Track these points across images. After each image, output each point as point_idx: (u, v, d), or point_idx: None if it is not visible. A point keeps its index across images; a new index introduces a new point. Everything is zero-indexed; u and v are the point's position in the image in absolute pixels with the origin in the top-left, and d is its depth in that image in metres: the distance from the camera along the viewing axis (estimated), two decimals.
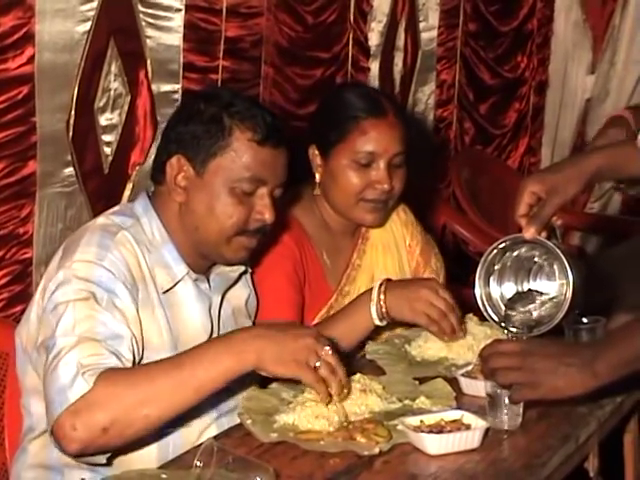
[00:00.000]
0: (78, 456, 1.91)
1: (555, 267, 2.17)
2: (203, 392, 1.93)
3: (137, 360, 2.04)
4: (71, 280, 2.01)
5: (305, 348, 1.94)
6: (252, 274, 2.44)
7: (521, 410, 2.02)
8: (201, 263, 2.23)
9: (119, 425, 1.86)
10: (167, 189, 2.18)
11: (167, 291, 2.16)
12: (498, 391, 1.99)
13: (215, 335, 2.24)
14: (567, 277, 2.11)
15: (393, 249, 2.74)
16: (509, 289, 2.23)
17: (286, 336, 1.96)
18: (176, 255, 2.17)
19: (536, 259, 2.21)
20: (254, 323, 2.43)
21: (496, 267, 2.22)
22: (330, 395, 1.97)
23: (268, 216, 2.17)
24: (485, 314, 2.22)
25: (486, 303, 2.22)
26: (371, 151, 2.53)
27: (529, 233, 2.14)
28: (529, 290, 2.22)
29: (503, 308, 2.20)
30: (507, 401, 1.99)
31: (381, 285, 2.38)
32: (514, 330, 2.15)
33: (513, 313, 2.17)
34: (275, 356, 1.93)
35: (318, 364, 1.94)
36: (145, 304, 2.10)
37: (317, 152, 2.59)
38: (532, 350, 1.94)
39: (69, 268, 2.03)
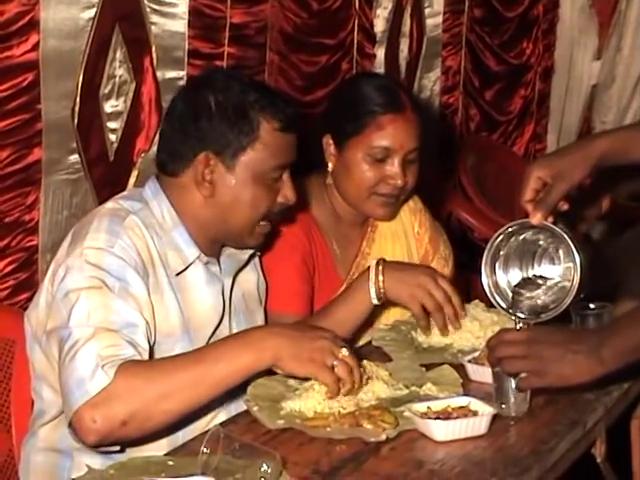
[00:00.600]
0: (95, 446, 1.92)
1: (561, 251, 2.17)
2: (222, 387, 1.95)
3: (151, 346, 2.04)
4: (82, 267, 2.01)
5: (322, 348, 1.97)
6: (260, 260, 2.45)
7: (528, 396, 2.02)
8: (212, 246, 2.23)
9: (138, 418, 1.87)
10: (186, 182, 2.17)
11: (179, 273, 2.16)
12: (505, 378, 1.99)
13: (227, 318, 2.25)
14: (574, 261, 2.11)
15: (402, 237, 2.73)
16: (515, 275, 2.23)
17: (304, 336, 1.99)
18: (187, 238, 2.17)
19: (541, 242, 2.21)
20: (265, 310, 2.43)
21: (502, 253, 2.22)
22: (338, 393, 1.99)
23: (292, 197, 2.23)
24: (492, 301, 2.22)
25: (493, 290, 2.21)
26: (387, 146, 2.52)
27: (536, 218, 2.13)
28: (534, 276, 2.22)
29: (510, 294, 2.19)
30: (514, 387, 1.99)
31: (377, 264, 2.37)
32: (522, 316, 2.15)
33: (520, 299, 2.17)
34: (293, 354, 1.95)
35: (335, 363, 1.96)
36: (155, 289, 2.10)
37: (331, 142, 2.58)
38: (538, 338, 1.94)
39: (79, 255, 2.02)
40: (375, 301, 2.37)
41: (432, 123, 4.41)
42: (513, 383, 1.98)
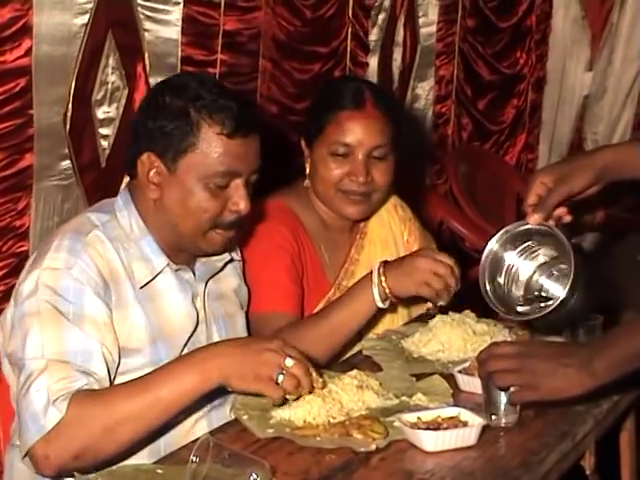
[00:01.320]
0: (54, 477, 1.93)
1: (555, 249, 2.19)
2: (170, 411, 1.93)
3: (114, 367, 2.03)
4: (38, 289, 2.00)
5: (267, 362, 1.93)
6: (244, 264, 2.44)
7: (518, 407, 2.02)
8: (182, 255, 2.21)
9: (90, 451, 1.88)
10: (140, 184, 2.16)
11: (145, 285, 2.13)
12: (494, 389, 1.99)
13: (203, 325, 2.23)
14: (569, 257, 2.12)
15: (391, 245, 2.73)
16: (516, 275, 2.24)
17: (247, 352, 1.95)
18: (155, 247, 2.15)
19: (536, 248, 2.23)
20: (247, 314, 2.42)
21: (500, 255, 2.24)
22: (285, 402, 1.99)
23: (243, 207, 2.15)
24: (490, 304, 2.22)
25: (491, 295, 2.22)
26: (346, 142, 2.54)
27: (533, 219, 2.15)
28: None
29: (513, 294, 2.20)
30: (503, 398, 1.99)
31: (379, 267, 2.37)
32: (522, 309, 2.15)
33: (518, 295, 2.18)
34: (237, 373, 1.93)
35: (281, 378, 1.92)
36: (119, 305, 2.08)
37: (304, 144, 2.61)
38: (530, 352, 1.94)
39: (37, 275, 2.02)
40: (380, 304, 2.35)
41: (425, 132, 4.43)
42: (503, 394, 1.98)
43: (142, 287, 2.13)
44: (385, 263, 2.38)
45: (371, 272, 2.38)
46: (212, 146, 2.11)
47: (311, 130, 2.60)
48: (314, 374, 1.99)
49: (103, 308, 2.03)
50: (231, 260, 2.35)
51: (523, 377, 1.90)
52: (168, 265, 2.17)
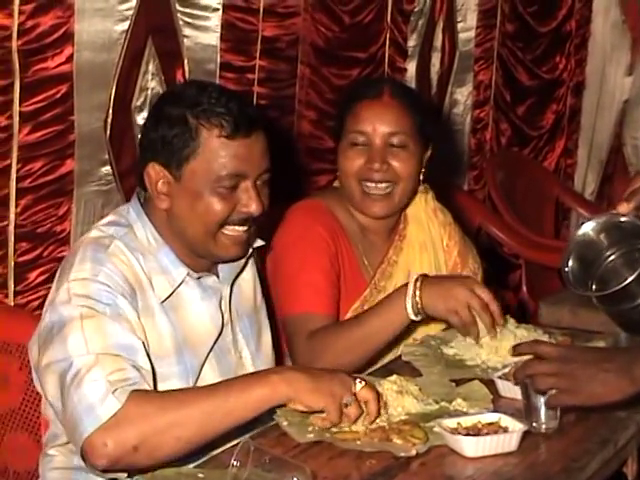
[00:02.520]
0: (104, 471, 1.90)
1: None
2: (234, 419, 1.92)
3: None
4: (71, 299, 1.99)
5: (341, 383, 1.96)
6: (261, 254, 2.43)
7: (558, 413, 2.01)
8: (203, 261, 2.20)
9: (149, 445, 1.86)
10: (151, 196, 2.15)
11: (165, 299, 2.13)
12: (534, 394, 1.98)
13: (228, 326, 2.23)
14: None
15: (430, 248, 2.73)
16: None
17: (321, 372, 1.98)
18: (173, 258, 2.14)
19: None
20: (268, 309, 2.42)
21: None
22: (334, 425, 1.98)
23: (255, 208, 2.12)
24: (567, 281, 2.13)
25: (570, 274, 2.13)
26: (362, 130, 2.56)
27: (622, 207, 2.09)
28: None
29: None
30: (543, 404, 1.98)
31: (417, 280, 2.36)
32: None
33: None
34: (311, 387, 1.93)
35: (350, 402, 1.94)
36: (146, 312, 2.08)
37: (335, 144, 2.65)
38: (570, 356, 1.93)
39: (66, 289, 2.01)
40: (413, 317, 2.36)
41: (463, 137, 4.41)
42: (542, 400, 1.97)
43: (163, 302, 2.12)
44: (424, 277, 2.38)
45: (407, 283, 2.38)
46: (213, 150, 2.09)
47: (335, 129, 2.64)
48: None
49: (133, 311, 2.03)
50: (250, 256, 2.32)
51: (562, 381, 1.90)
52: (188, 274, 2.16)
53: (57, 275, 2.11)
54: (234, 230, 2.14)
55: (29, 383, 2.31)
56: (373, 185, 2.57)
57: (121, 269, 2.05)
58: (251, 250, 2.29)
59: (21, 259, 2.67)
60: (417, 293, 2.34)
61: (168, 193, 2.12)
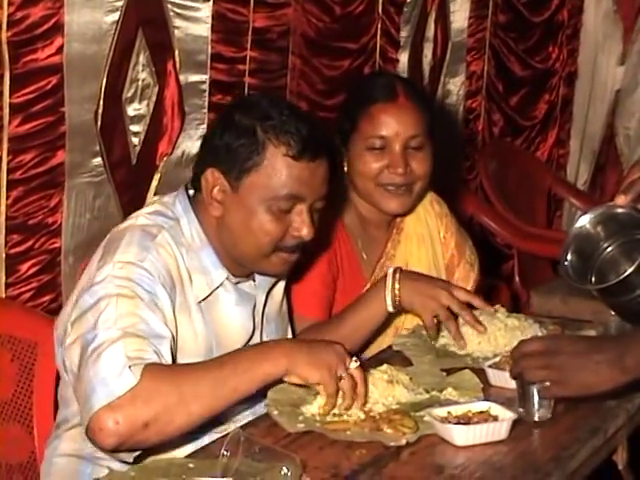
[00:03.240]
0: (112, 451, 1.89)
1: None
2: (241, 392, 1.93)
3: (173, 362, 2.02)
4: (112, 278, 1.98)
5: (337, 355, 1.97)
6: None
7: (552, 402, 2.01)
8: (240, 267, 2.19)
9: (161, 421, 1.85)
10: (204, 200, 2.14)
11: (202, 300, 2.13)
12: (527, 384, 1.98)
13: (258, 332, 2.24)
14: None
15: (427, 241, 2.73)
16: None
17: (318, 345, 2.00)
18: (215, 259, 2.14)
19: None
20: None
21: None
22: (334, 407, 1.99)
23: (306, 233, 2.11)
24: (566, 275, 2.12)
25: (569, 267, 2.13)
26: (382, 135, 2.54)
27: (619, 199, 2.08)
28: None
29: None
30: (536, 393, 1.98)
31: (395, 272, 2.37)
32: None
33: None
34: (307, 360, 1.95)
35: (344, 375, 1.96)
36: (182, 308, 2.08)
37: (340, 142, 2.60)
38: (559, 348, 1.93)
39: (110, 268, 2.00)
40: (390, 308, 2.37)
41: (456, 128, 4.42)
42: (535, 389, 1.98)
43: (200, 302, 2.12)
44: (401, 270, 2.39)
45: (385, 276, 2.38)
46: (277, 167, 2.08)
47: (345, 127, 2.59)
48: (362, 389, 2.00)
49: (170, 304, 2.03)
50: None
51: (553, 373, 1.90)
52: (227, 278, 2.16)
53: (99, 255, 2.08)
54: (286, 256, 2.15)
55: (21, 375, 2.32)
56: (393, 188, 2.57)
57: (166, 260, 2.05)
58: None
59: (12, 251, 2.67)
60: (396, 286, 2.35)
61: (222, 201, 2.12)
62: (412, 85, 2.67)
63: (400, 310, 2.41)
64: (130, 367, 1.85)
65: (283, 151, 2.08)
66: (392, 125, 2.54)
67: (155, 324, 1.96)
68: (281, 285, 2.36)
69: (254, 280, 2.24)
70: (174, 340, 2.03)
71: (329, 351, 1.98)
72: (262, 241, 2.10)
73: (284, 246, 2.12)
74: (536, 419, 2.00)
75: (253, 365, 1.93)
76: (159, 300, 2.00)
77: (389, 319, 2.48)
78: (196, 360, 2.04)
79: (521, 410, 1.99)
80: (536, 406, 1.99)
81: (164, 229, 2.10)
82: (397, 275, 2.37)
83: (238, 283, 2.19)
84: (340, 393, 1.98)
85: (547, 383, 1.93)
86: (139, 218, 2.14)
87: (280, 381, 2.01)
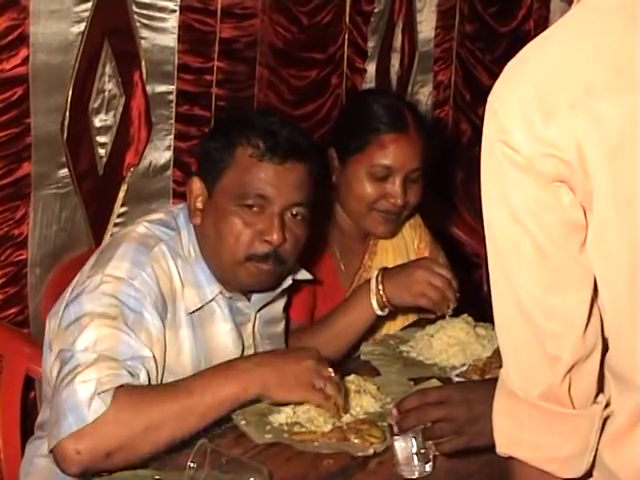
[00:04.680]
0: (77, 477, 1.88)
1: None
2: (209, 418, 1.92)
3: (155, 382, 2.01)
4: (99, 293, 1.98)
5: (307, 370, 1.95)
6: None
7: (431, 456, 1.90)
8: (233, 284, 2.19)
9: (125, 450, 1.85)
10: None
11: (192, 312, 2.12)
12: (409, 440, 1.87)
13: (249, 352, 2.23)
14: None
15: (403, 251, 2.75)
16: None
17: (287, 361, 1.96)
18: (209, 274, 2.13)
19: None
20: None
21: None
22: (338, 409, 1.98)
23: (275, 237, 2.08)
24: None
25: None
26: (388, 165, 2.53)
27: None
28: None
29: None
30: (415, 449, 1.87)
31: (378, 275, 2.38)
32: None
33: None
34: (279, 382, 1.93)
35: (322, 385, 1.95)
36: (172, 325, 2.08)
37: (335, 155, 2.60)
38: (458, 397, 1.87)
39: (99, 281, 2.00)
40: (379, 312, 2.38)
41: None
42: (415, 447, 1.87)
43: (190, 314, 2.11)
44: (384, 271, 2.40)
45: (370, 280, 2.39)
46: (244, 168, 2.09)
47: (349, 146, 2.57)
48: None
49: (158, 323, 2.02)
50: (291, 284, 2.31)
51: (451, 425, 1.83)
52: (221, 293, 2.15)
53: (91, 262, 2.09)
54: (260, 266, 2.11)
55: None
56: (385, 215, 2.58)
57: (159, 276, 2.04)
58: (285, 285, 2.28)
59: None
60: (380, 288, 2.36)
61: (202, 210, 2.12)
62: (417, 113, 2.67)
63: (393, 310, 2.41)
64: (100, 394, 1.84)
65: (250, 152, 2.08)
66: (400, 157, 2.54)
67: (135, 345, 1.95)
68: (279, 305, 2.36)
69: (249, 300, 2.23)
70: (160, 359, 2.02)
71: (301, 366, 1.95)
72: (234, 247, 2.09)
73: (255, 253, 2.10)
74: (416, 475, 1.88)
75: (222, 391, 1.91)
76: (144, 320, 1.99)
77: (379, 320, 2.48)
78: (181, 376, 2.03)
79: (402, 467, 1.87)
80: (418, 462, 1.88)
81: (162, 241, 2.09)
82: (380, 277, 2.38)
83: (231, 298, 2.18)
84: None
85: (445, 438, 1.85)
86: (140, 226, 2.14)
87: None
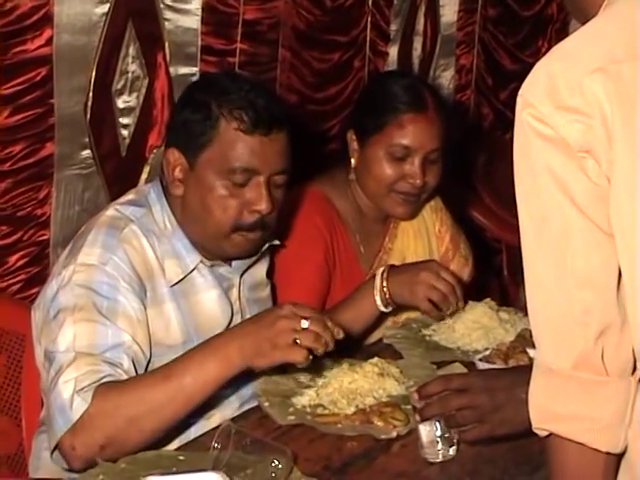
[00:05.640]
0: (83, 471, 1.89)
1: None
2: (194, 401, 1.91)
3: (144, 364, 2.02)
4: (72, 285, 1.99)
5: (281, 330, 1.87)
6: (275, 249, 2.42)
7: (455, 440, 1.89)
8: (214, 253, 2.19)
9: (116, 442, 1.87)
10: (167, 181, 2.15)
11: (176, 284, 2.12)
12: (434, 424, 1.86)
13: (239, 316, 2.22)
14: None
15: (424, 234, 2.74)
16: None
17: (260, 326, 1.90)
18: (187, 244, 2.14)
19: None
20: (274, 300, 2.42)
21: None
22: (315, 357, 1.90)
23: (264, 206, 2.09)
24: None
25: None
26: (407, 145, 2.52)
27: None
28: None
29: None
30: (439, 433, 1.87)
31: (383, 272, 2.38)
32: None
33: None
34: (256, 350, 1.88)
35: (300, 338, 1.86)
36: (153, 302, 2.08)
37: (354, 137, 2.59)
38: (481, 385, 1.85)
39: (72, 271, 2.01)
40: (383, 308, 2.37)
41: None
42: (438, 428, 1.87)
43: (173, 285, 2.11)
44: (390, 267, 2.39)
45: (374, 275, 2.39)
46: (229, 141, 2.08)
47: (368, 127, 2.56)
48: (332, 326, 1.91)
49: (137, 304, 2.02)
50: (268, 248, 2.31)
51: (475, 413, 1.82)
52: (201, 261, 2.15)
53: (66, 252, 2.11)
54: (246, 235, 2.12)
55: (9, 366, 2.32)
56: (405, 196, 2.57)
57: (131, 258, 2.04)
58: (266, 246, 2.28)
59: (1, 243, 2.66)
60: (384, 284, 2.36)
61: (183, 180, 2.12)
62: (437, 94, 2.66)
63: (395, 307, 2.40)
64: (79, 392, 1.87)
65: (235, 125, 2.07)
66: (419, 137, 2.52)
67: (112, 333, 1.96)
68: (261, 269, 2.35)
69: (230, 265, 2.24)
70: (144, 340, 2.02)
71: (274, 329, 1.87)
72: (221, 219, 2.09)
73: (244, 223, 2.10)
74: (441, 458, 1.88)
75: (202, 370, 1.89)
76: (119, 304, 2.00)
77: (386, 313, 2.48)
78: (175, 349, 2.05)
79: (426, 450, 1.88)
80: (441, 446, 1.88)
81: (131, 221, 2.10)
82: (385, 274, 2.37)
83: (213, 266, 2.19)
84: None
85: (468, 426, 1.84)
86: (109, 210, 2.14)
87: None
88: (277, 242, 2.33)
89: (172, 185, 2.13)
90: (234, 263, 2.24)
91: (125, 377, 1.93)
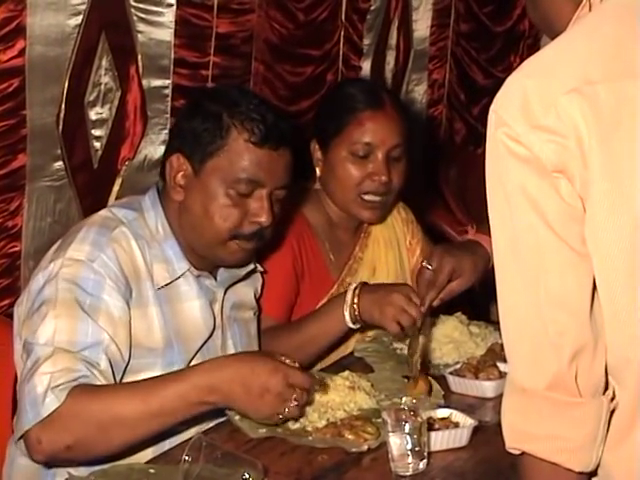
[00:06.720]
0: (44, 464, 1.92)
1: None
2: (166, 424, 1.91)
3: (122, 365, 2.02)
4: (58, 278, 2.00)
5: (268, 406, 1.88)
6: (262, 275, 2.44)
7: (426, 453, 1.89)
8: (205, 261, 2.20)
9: (83, 446, 1.86)
10: (167, 186, 2.16)
11: (163, 287, 2.13)
12: (404, 437, 1.86)
13: (219, 331, 2.22)
14: None
15: (394, 245, 2.75)
16: None
17: (249, 394, 1.87)
18: (178, 251, 2.15)
19: None
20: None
21: None
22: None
23: (265, 219, 2.12)
24: None
25: None
26: (368, 142, 2.53)
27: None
28: None
29: None
30: (410, 446, 1.86)
31: (356, 288, 2.38)
32: None
33: None
34: (240, 410, 1.94)
35: (289, 409, 1.88)
36: (138, 303, 2.08)
37: (317, 146, 2.61)
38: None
39: (60, 265, 2.02)
40: (350, 324, 2.37)
41: (417, 136, 4.43)
42: (409, 441, 1.86)
43: (159, 289, 2.12)
44: (363, 285, 2.39)
45: (346, 291, 2.39)
46: (238, 152, 2.10)
47: (328, 131, 2.58)
48: (315, 383, 1.96)
49: (120, 304, 2.03)
50: (253, 270, 2.34)
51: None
52: (189, 270, 2.16)
53: (55, 246, 2.11)
54: (244, 244, 2.14)
55: None
56: (371, 197, 2.58)
57: (119, 258, 2.05)
58: (252, 267, 2.31)
59: None
60: (355, 301, 2.36)
61: (185, 186, 2.13)
62: (395, 95, 2.69)
63: (363, 325, 2.40)
64: (53, 389, 1.86)
65: (245, 137, 2.10)
66: (379, 133, 2.54)
67: (92, 331, 1.96)
68: (248, 290, 2.36)
69: (215, 279, 2.24)
70: (124, 340, 2.02)
71: (263, 398, 1.87)
72: (220, 226, 2.11)
73: (242, 233, 2.13)
74: (410, 472, 1.86)
75: (181, 404, 1.88)
76: (102, 302, 2.00)
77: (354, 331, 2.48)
78: (155, 353, 2.06)
79: (397, 463, 1.87)
80: (411, 459, 1.86)
81: (122, 224, 2.11)
82: (357, 290, 2.37)
83: (199, 277, 2.20)
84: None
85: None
86: (102, 211, 2.16)
87: None
88: (261, 269, 2.36)
89: (173, 190, 2.15)
90: (219, 277, 2.25)
91: (101, 378, 1.93)
